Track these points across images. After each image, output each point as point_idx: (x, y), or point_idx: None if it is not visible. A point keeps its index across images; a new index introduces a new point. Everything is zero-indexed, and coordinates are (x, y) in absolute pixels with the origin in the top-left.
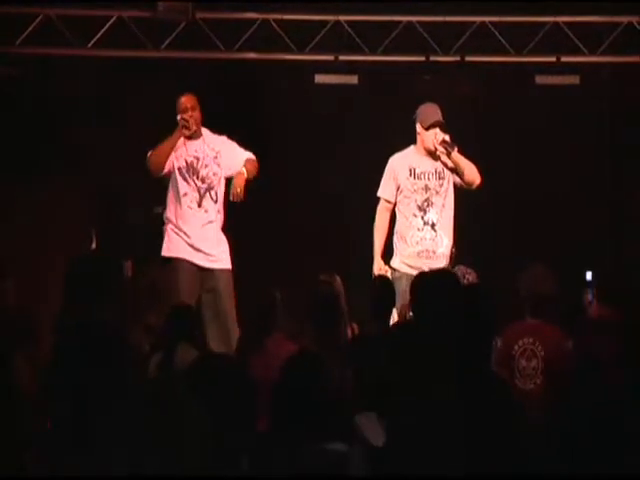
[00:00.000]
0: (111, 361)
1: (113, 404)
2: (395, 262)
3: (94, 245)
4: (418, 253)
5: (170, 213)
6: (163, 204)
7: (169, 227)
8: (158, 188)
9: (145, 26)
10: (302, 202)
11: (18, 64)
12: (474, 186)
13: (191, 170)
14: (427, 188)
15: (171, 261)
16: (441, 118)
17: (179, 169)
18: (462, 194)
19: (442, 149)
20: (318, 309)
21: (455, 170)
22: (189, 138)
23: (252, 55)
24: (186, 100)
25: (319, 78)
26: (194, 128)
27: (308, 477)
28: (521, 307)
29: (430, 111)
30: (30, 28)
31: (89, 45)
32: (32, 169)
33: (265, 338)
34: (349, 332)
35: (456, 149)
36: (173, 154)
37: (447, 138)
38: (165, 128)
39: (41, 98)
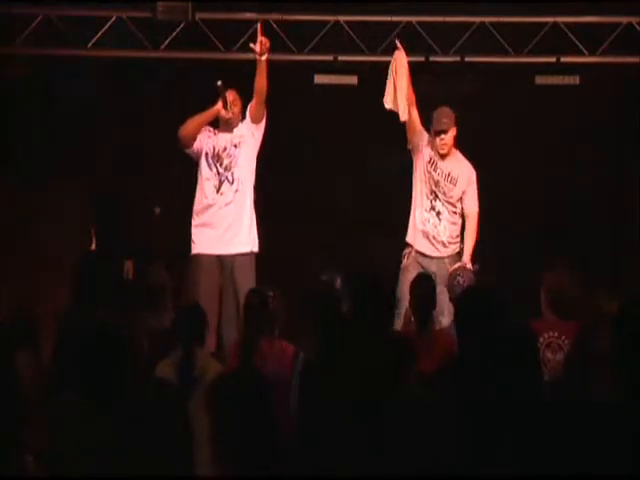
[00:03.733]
0: (113, 361)
1: (115, 404)
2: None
3: (94, 245)
4: (421, 231)
5: (194, 210)
6: (162, 204)
7: (193, 226)
8: (158, 188)
9: (145, 26)
10: (301, 202)
11: (18, 64)
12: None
13: (216, 157)
14: (438, 184)
15: (193, 259)
16: (443, 125)
17: (206, 154)
18: None
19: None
20: (318, 309)
21: None
22: (222, 130)
23: (251, 56)
24: (230, 92)
25: (318, 78)
26: (230, 114)
27: (305, 478)
28: (538, 306)
29: (435, 117)
30: (30, 28)
31: (89, 45)
32: (32, 169)
33: (259, 339)
34: None
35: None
36: (204, 141)
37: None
38: (166, 127)
39: (41, 98)
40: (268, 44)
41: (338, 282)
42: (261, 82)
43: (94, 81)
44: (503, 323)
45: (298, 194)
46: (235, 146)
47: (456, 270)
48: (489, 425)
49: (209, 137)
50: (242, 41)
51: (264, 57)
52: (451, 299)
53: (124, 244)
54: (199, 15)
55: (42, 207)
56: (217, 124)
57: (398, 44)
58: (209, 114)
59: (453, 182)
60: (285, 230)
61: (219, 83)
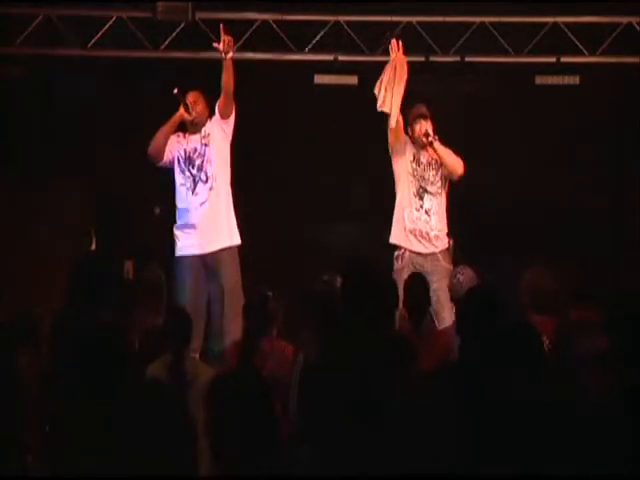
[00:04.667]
0: (112, 361)
1: (114, 404)
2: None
3: (94, 245)
4: (411, 231)
5: (176, 213)
6: (162, 204)
7: (174, 229)
8: (158, 188)
9: (145, 26)
10: (301, 202)
11: (18, 64)
12: (455, 176)
13: (188, 161)
14: (424, 178)
15: (177, 262)
16: (423, 111)
17: (178, 160)
18: (461, 195)
19: (424, 140)
20: (318, 309)
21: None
22: (191, 132)
23: (251, 55)
24: (191, 94)
25: (318, 78)
26: (194, 115)
27: (305, 478)
28: (524, 306)
29: (412, 109)
30: (30, 28)
31: (89, 45)
32: (32, 169)
33: (259, 339)
34: None
35: (436, 141)
36: (174, 149)
37: (429, 130)
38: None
39: (41, 98)
40: (232, 43)
41: (338, 282)
42: (227, 79)
43: (94, 81)
44: (505, 322)
45: (298, 194)
46: (205, 145)
47: (456, 269)
48: (489, 425)
49: (179, 142)
50: (242, 41)
51: (229, 55)
52: (452, 299)
53: (124, 244)
54: (199, 15)
55: (42, 207)
56: (185, 128)
57: (395, 45)
58: (173, 122)
59: (438, 165)
60: (285, 230)
61: (175, 91)
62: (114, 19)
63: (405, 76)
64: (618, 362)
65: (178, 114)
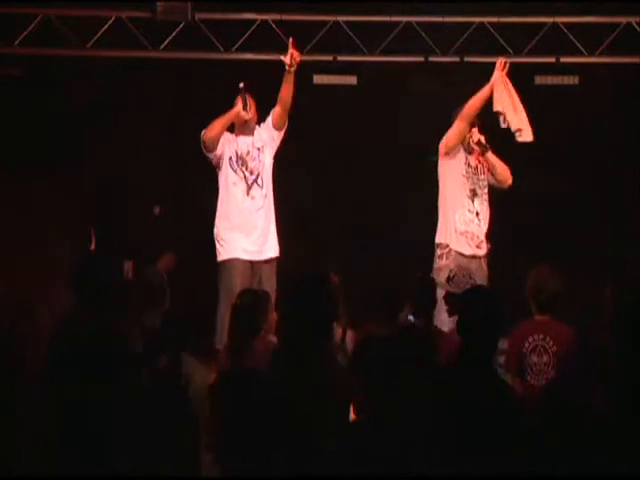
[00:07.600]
0: (113, 361)
1: (113, 404)
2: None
3: (93, 245)
4: (462, 233)
5: (220, 213)
6: (162, 204)
7: (221, 230)
8: (158, 188)
9: (144, 26)
10: (300, 202)
11: (18, 64)
12: (505, 185)
13: (240, 161)
14: (474, 181)
15: (227, 263)
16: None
17: (230, 159)
18: None
19: (477, 149)
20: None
21: (489, 169)
22: (239, 134)
23: (251, 56)
24: (250, 98)
25: (318, 79)
26: (250, 115)
27: (307, 477)
28: (529, 306)
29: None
30: (30, 28)
31: (88, 45)
32: (32, 169)
33: (251, 338)
34: (341, 333)
35: (490, 151)
36: (226, 145)
37: (482, 139)
38: (165, 128)
39: (41, 98)
40: (299, 58)
41: (336, 281)
42: (287, 92)
43: (94, 81)
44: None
45: (297, 194)
46: (259, 149)
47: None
48: (488, 425)
49: (230, 142)
50: (241, 41)
51: (293, 69)
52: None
53: (124, 244)
54: (199, 15)
55: (42, 207)
56: (232, 129)
57: (502, 65)
58: (231, 115)
59: (485, 171)
60: (284, 230)
61: (241, 85)
62: (114, 19)
63: (514, 91)
64: (619, 362)
65: (236, 109)
